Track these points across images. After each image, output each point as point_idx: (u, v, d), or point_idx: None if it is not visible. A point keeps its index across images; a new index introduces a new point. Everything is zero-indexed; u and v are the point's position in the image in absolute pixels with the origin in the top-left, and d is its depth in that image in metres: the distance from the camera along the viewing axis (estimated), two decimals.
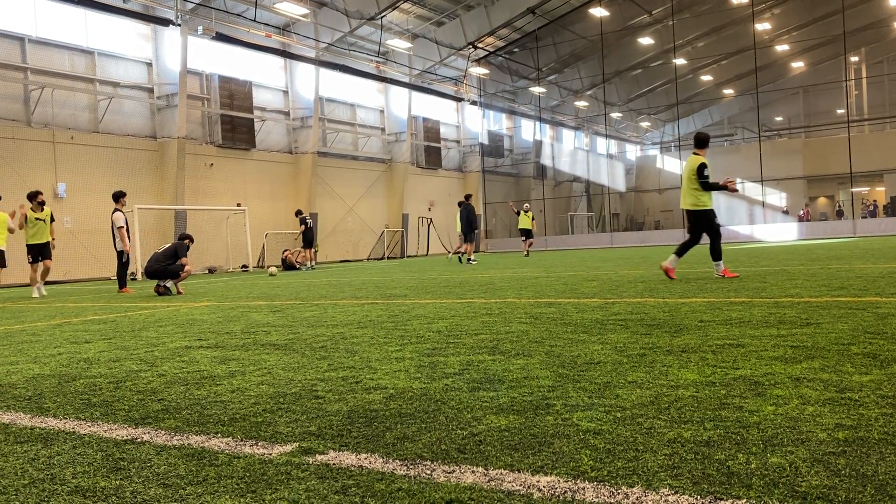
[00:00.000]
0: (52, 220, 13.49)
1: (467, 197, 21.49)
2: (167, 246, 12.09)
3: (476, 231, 21.11)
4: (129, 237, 13.75)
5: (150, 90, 24.30)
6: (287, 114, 29.85)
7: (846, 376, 2.96)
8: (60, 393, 3.50)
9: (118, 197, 13.70)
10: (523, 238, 25.37)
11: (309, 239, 22.51)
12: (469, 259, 20.43)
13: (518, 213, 25.61)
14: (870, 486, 1.77)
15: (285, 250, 24.74)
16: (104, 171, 22.51)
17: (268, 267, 21.53)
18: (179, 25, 23.76)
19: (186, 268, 11.90)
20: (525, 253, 25.33)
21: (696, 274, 10.06)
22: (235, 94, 26.80)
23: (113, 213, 13.68)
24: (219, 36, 24.86)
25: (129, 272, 14.37)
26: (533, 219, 25.72)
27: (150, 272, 11.87)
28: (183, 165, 24.17)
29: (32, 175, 20.57)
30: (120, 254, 13.67)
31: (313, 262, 23.09)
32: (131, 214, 20.55)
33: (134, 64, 23.94)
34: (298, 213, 23.32)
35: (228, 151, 26.85)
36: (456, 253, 22.96)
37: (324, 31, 29.82)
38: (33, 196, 13.25)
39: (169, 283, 11.80)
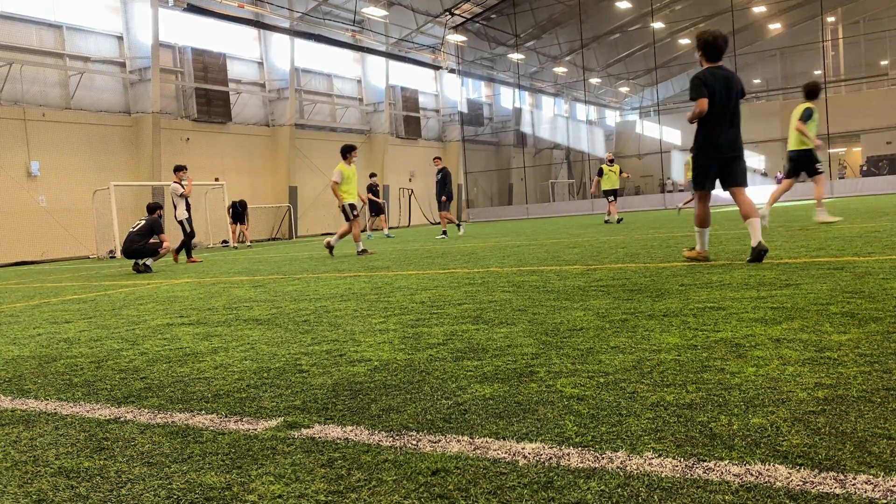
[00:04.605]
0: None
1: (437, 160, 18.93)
2: (141, 223, 11.91)
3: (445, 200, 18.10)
4: (188, 209, 14.05)
5: (122, 64, 23.84)
6: (263, 86, 29.44)
7: (825, 336, 2.99)
8: (41, 374, 3.47)
9: (177, 170, 14.11)
10: (610, 199, 19.14)
11: (377, 207, 21.86)
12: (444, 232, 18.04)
13: (600, 174, 19.14)
14: (849, 443, 1.79)
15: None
16: (78, 148, 22.14)
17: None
18: None
19: (165, 244, 11.80)
20: (616, 218, 19.14)
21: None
22: (209, 66, 26.36)
23: (173, 185, 14.10)
24: (190, 7, 24.37)
25: (108, 250, 14.26)
26: (621, 172, 19.35)
27: (127, 252, 11.74)
28: (158, 141, 23.82)
29: (4, 153, 20.20)
30: (182, 223, 13.99)
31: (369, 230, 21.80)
32: (107, 192, 20.30)
33: (104, 38, 23.43)
34: (372, 175, 22.92)
35: (204, 125, 26.49)
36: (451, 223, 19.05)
37: (297, 1, 29.31)
38: (350, 149, 12.28)
39: (149, 261, 11.70)
